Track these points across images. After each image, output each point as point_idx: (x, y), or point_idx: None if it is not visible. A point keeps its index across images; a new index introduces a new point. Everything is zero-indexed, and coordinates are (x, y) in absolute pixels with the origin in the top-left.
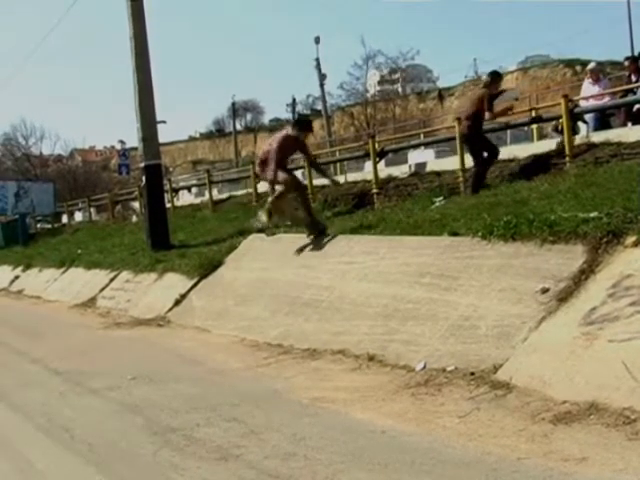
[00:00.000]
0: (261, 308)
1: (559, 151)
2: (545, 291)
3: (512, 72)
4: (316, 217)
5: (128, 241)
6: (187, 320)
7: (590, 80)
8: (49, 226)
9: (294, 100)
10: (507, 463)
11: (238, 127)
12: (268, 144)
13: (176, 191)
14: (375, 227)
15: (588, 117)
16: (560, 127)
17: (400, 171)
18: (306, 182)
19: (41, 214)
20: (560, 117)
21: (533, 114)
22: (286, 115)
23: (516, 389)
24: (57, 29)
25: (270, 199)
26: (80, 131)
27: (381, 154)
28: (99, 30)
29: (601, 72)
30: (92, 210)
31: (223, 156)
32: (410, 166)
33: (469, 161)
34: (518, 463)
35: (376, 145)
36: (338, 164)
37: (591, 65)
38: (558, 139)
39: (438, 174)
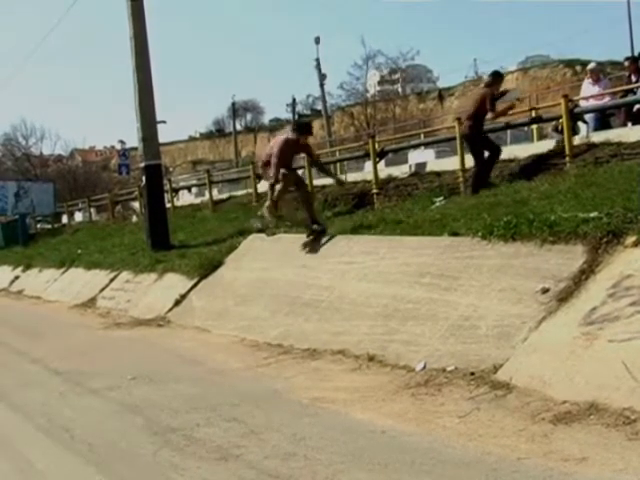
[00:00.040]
0: (261, 308)
1: (557, 151)
2: (545, 291)
3: (512, 72)
4: (316, 217)
5: (128, 241)
6: (187, 320)
7: (590, 80)
8: (49, 226)
9: (294, 100)
10: (507, 463)
11: (238, 127)
12: (270, 147)
13: (176, 191)
14: (375, 227)
15: (588, 117)
16: (560, 127)
17: (400, 171)
18: (306, 182)
19: (41, 214)
20: (560, 117)
21: (533, 114)
22: (286, 115)
23: (516, 389)
24: (57, 29)
25: (268, 203)
26: (80, 131)
27: (381, 154)
28: (99, 30)
29: (601, 72)
30: (92, 210)
31: (223, 156)
32: (410, 166)
33: (469, 161)
34: (518, 463)
35: (376, 145)
36: (338, 164)
37: (591, 65)
38: (557, 139)
39: (438, 174)
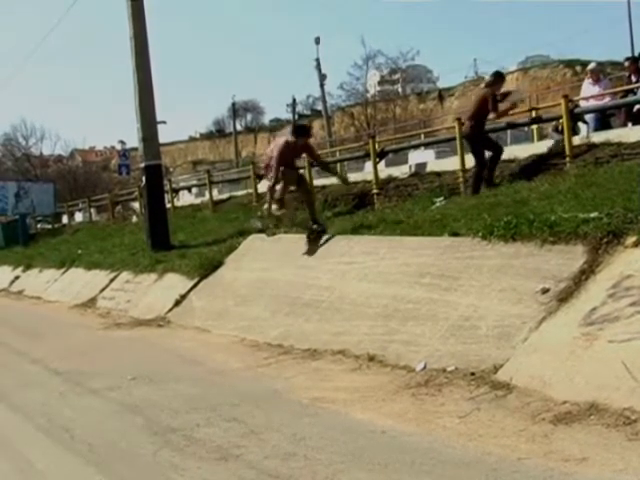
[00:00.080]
0: (261, 308)
1: (555, 152)
2: (545, 291)
3: (512, 72)
4: (317, 217)
5: (128, 241)
6: (187, 320)
7: (590, 80)
8: (49, 226)
9: (294, 100)
10: (507, 463)
11: (238, 127)
12: (270, 150)
13: (176, 191)
14: (375, 227)
15: (588, 117)
16: (560, 127)
17: (400, 171)
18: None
19: (41, 214)
20: (560, 117)
21: (533, 114)
22: (286, 115)
23: (516, 389)
24: (57, 29)
25: (267, 206)
26: (80, 131)
27: (381, 154)
28: (99, 30)
29: (601, 72)
30: (92, 210)
31: (223, 156)
32: (410, 166)
33: (469, 161)
34: (518, 463)
35: (376, 145)
36: (338, 164)
37: (591, 65)
38: (555, 139)
39: (438, 174)
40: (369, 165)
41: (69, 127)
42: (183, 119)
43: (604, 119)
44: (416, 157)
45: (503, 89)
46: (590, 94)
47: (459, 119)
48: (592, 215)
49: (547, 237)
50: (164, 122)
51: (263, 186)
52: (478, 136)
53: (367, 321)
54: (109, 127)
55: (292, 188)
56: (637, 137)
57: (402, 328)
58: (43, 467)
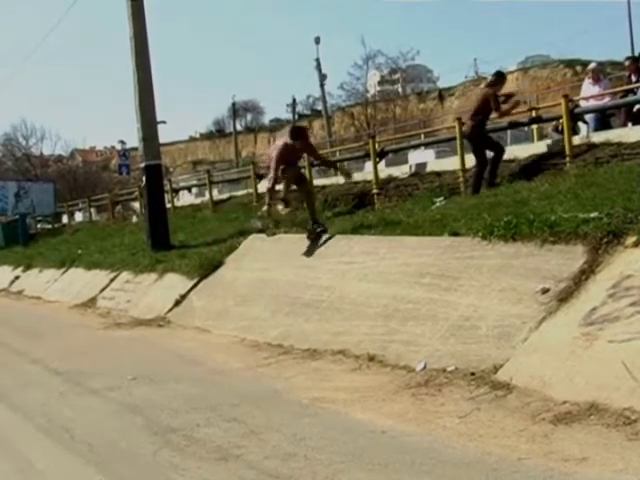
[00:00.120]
0: (261, 308)
1: (554, 151)
2: (545, 291)
3: (512, 72)
4: (317, 217)
5: (128, 241)
6: (187, 320)
7: (590, 80)
8: (49, 226)
9: (294, 100)
10: (507, 463)
11: (238, 127)
12: (270, 151)
13: (176, 191)
14: (375, 227)
15: (588, 117)
16: (560, 127)
17: (400, 171)
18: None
19: (41, 214)
20: (560, 117)
21: (533, 114)
22: (286, 115)
23: (516, 389)
24: (57, 29)
25: (266, 207)
26: (80, 131)
27: (381, 154)
28: (99, 30)
29: (601, 72)
30: (92, 210)
31: (223, 156)
32: (410, 166)
33: (469, 161)
34: (518, 463)
35: (376, 145)
36: (338, 164)
37: (592, 65)
38: (553, 139)
39: (438, 174)
40: (369, 165)
41: (69, 127)
42: (183, 119)
43: (604, 119)
44: (416, 157)
45: (505, 91)
46: (590, 94)
47: (459, 119)
48: (592, 215)
49: (547, 237)
50: (164, 122)
51: (263, 186)
52: (480, 136)
53: (367, 321)
54: (109, 127)
55: (294, 187)
56: (637, 137)
57: (402, 328)
58: (43, 467)
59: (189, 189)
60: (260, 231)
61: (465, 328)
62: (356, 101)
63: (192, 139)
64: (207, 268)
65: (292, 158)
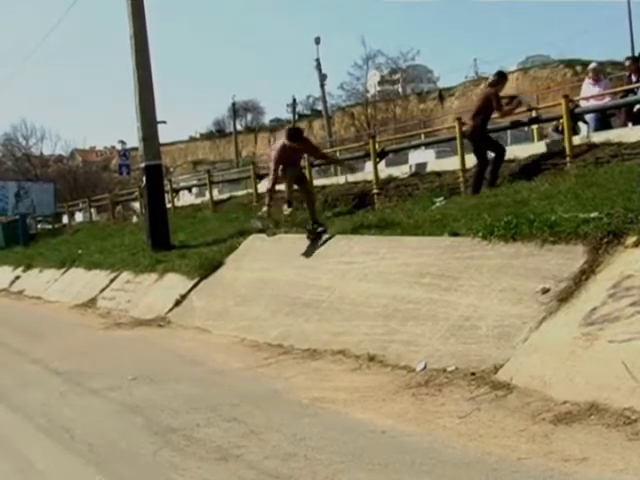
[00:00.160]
0: (261, 308)
1: (553, 150)
2: (545, 291)
3: (512, 72)
4: (317, 217)
5: (128, 241)
6: (187, 320)
7: (590, 80)
8: (49, 226)
9: (294, 100)
10: (507, 463)
11: (238, 127)
12: (270, 152)
13: (176, 191)
14: (375, 227)
15: (589, 117)
16: (560, 127)
17: (400, 171)
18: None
19: (41, 214)
20: (560, 117)
21: (533, 114)
22: (286, 115)
23: (517, 389)
24: (57, 29)
25: (266, 208)
26: (80, 131)
27: (381, 154)
28: (99, 30)
29: (601, 72)
30: (92, 210)
31: (223, 156)
32: (410, 166)
33: (469, 161)
34: (519, 463)
35: (376, 145)
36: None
37: (592, 65)
38: (552, 139)
39: (438, 174)
40: (369, 165)
41: (69, 127)
42: (183, 119)
43: (604, 119)
44: (416, 157)
45: (505, 91)
46: (590, 94)
47: (459, 119)
48: (592, 215)
49: (547, 237)
50: (164, 122)
51: (263, 186)
52: (481, 136)
53: (367, 321)
54: (109, 127)
55: (295, 187)
56: (637, 137)
57: (402, 328)
58: (43, 467)
59: (189, 189)
60: (260, 231)
61: (465, 328)
62: (356, 101)
63: (192, 139)
64: (207, 268)
65: (292, 158)
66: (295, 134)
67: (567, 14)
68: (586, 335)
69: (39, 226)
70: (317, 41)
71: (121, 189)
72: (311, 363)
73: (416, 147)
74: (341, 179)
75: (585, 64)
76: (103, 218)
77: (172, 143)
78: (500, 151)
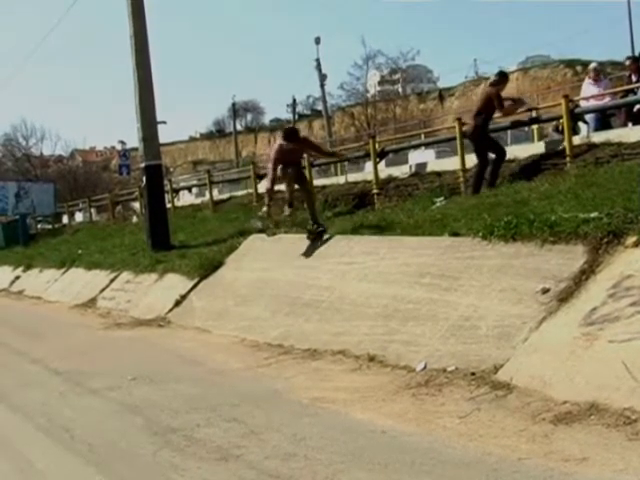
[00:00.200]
0: (261, 308)
1: (552, 150)
2: (545, 291)
3: (512, 72)
4: (317, 217)
5: (128, 241)
6: (187, 321)
7: (590, 80)
8: (49, 226)
9: (294, 100)
10: (508, 463)
11: (238, 127)
12: (269, 152)
13: (176, 191)
14: (375, 227)
15: (589, 117)
16: (560, 127)
17: (400, 171)
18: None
19: (41, 214)
20: (561, 117)
21: (533, 114)
22: (286, 115)
23: (517, 389)
24: (57, 29)
25: (265, 208)
26: (80, 131)
27: (381, 154)
28: (99, 30)
29: (602, 72)
30: (92, 210)
31: (223, 156)
32: (410, 166)
33: (469, 161)
34: (519, 463)
35: (376, 145)
36: (338, 164)
37: (592, 65)
38: (551, 139)
39: (439, 174)
40: (369, 165)
41: (69, 127)
42: (183, 119)
43: (604, 119)
44: (416, 157)
45: (509, 93)
46: (590, 94)
47: (459, 119)
48: (592, 215)
49: (547, 237)
50: (164, 122)
51: (263, 186)
52: (481, 136)
53: (367, 321)
54: (109, 127)
55: (296, 187)
56: (637, 137)
57: (402, 328)
58: (43, 467)
59: (189, 189)
60: (260, 231)
61: (465, 328)
62: (356, 101)
63: (192, 139)
64: (207, 268)
65: (291, 158)
66: (290, 134)
67: (567, 14)
68: (586, 335)
69: (39, 226)
70: (317, 41)
71: (121, 189)
72: (311, 363)
73: (416, 147)
74: (341, 179)
75: (585, 64)
76: (103, 218)
77: (172, 143)
78: (500, 153)
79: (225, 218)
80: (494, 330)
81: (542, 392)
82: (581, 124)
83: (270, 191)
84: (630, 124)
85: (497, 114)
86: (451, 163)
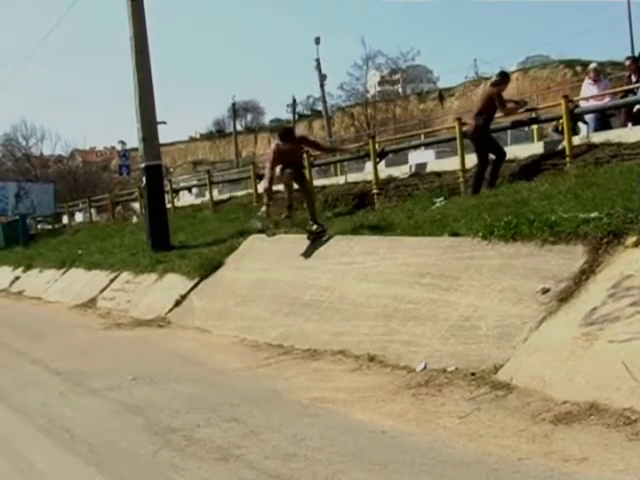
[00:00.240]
0: (261, 308)
1: (551, 150)
2: (545, 291)
3: (512, 72)
4: (317, 217)
5: (128, 242)
6: (187, 321)
7: (590, 80)
8: (49, 227)
9: (294, 100)
10: (508, 463)
11: (238, 128)
12: (269, 153)
13: (176, 192)
14: (375, 227)
15: (588, 117)
16: (560, 127)
17: (400, 171)
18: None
19: (41, 215)
20: (560, 117)
21: (533, 114)
22: (287, 115)
23: (517, 389)
24: (57, 29)
25: (264, 208)
26: (80, 131)
27: (381, 154)
28: (99, 30)
29: (601, 72)
30: (92, 211)
31: (223, 157)
32: (410, 166)
33: (469, 161)
34: (519, 463)
35: (376, 145)
36: (338, 164)
37: (592, 65)
38: (551, 139)
39: (438, 174)
40: (369, 165)
41: (69, 127)
42: (183, 119)
43: (604, 119)
44: (416, 157)
45: (513, 96)
46: (590, 94)
47: (459, 119)
48: (592, 215)
49: (547, 237)
50: (164, 122)
51: (261, 186)
52: (482, 136)
53: (367, 321)
54: (109, 127)
55: (296, 187)
56: (637, 137)
57: (402, 328)
58: (43, 467)
59: (189, 189)
60: (260, 231)
61: (465, 328)
62: (356, 101)
63: (192, 139)
64: (207, 268)
65: (290, 158)
66: (286, 134)
67: (567, 14)
68: (586, 335)
69: (39, 226)
70: (317, 41)
71: (121, 189)
72: (311, 363)
73: (416, 147)
74: (341, 179)
75: (585, 64)
76: (103, 218)
77: (172, 143)
78: (500, 154)
79: (225, 218)
80: (494, 330)
81: (542, 392)
82: (581, 124)
83: (268, 190)
84: (630, 124)
85: (498, 114)
86: (451, 163)
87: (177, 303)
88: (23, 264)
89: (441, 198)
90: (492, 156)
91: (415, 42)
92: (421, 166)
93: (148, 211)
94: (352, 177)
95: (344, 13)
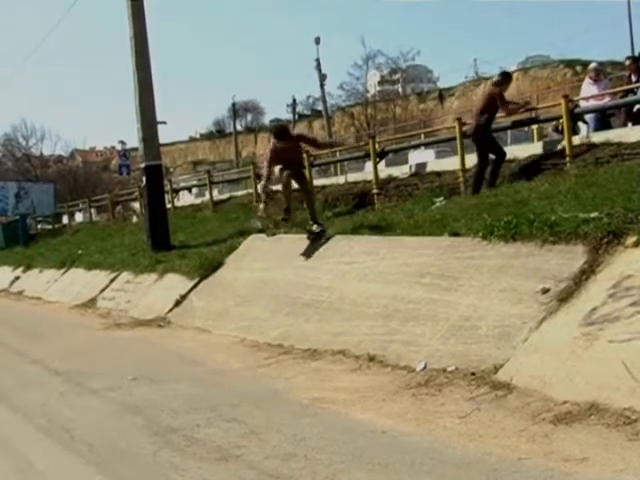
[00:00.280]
0: (261, 308)
1: (550, 150)
2: (546, 291)
3: (512, 72)
4: (317, 217)
5: (128, 242)
6: (187, 321)
7: (590, 80)
8: (49, 227)
9: (294, 100)
10: (508, 463)
11: (238, 128)
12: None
13: (176, 192)
14: (375, 227)
15: (588, 117)
16: (560, 127)
17: (400, 171)
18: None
19: (41, 215)
20: (560, 117)
21: (533, 114)
22: (287, 115)
23: (517, 389)
24: (57, 29)
25: (262, 206)
26: (80, 131)
27: (381, 154)
28: (99, 30)
29: (601, 72)
30: (92, 211)
31: (223, 157)
32: (410, 166)
33: (469, 161)
34: (519, 463)
35: (376, 145)
36: (338, 164)
37: (592, 65)
38: (549, 139)
39: (438, 174)
40: (369, 165)
41: (69, 127)
42: (183, 119)
43: (604, 119)
44: (416, 157)
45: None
46: (590, 94)
47: (459, 119)
48: (592, 215)
49: (547, 237)
50: (164, 122)
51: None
52: (483, 135)
53: (367, 321)
54: (109, 127)
55: (295, 187)
56: (637, 137)
57: (402, 328)
58: (43, 467)
59: (189, 189)
60: (260, 231)
61: (465, 328)
62: (356, 101)
63: (192, 139)
64: (207, 268)
65: (288, 157)
66: (280, 132)
67: (567, 14)
68: (586, 335)
69: (39, 226)
70: (317, 41)
71: (121, 189)
72: (311, 363)
73: (416, 147)
74: (341, 179)
75: (585, 64)
76: (103, 218)
77: (172, 143)
78: (500, 155)
79: (225, 218)
80: (494, 330)
81: (542, 392)
82: (581, 124)
83: (265, 188)
84: (630, 124)
85: (500, 114)
86: (451, 163)
87: (177, 303)
88: (23, 264)
89: (441, 198)
90: (492, 156)
91: (415, 42)
92: (421, 166)
93: (148, 211)
94: (352, 177)
95: (344, 13)
